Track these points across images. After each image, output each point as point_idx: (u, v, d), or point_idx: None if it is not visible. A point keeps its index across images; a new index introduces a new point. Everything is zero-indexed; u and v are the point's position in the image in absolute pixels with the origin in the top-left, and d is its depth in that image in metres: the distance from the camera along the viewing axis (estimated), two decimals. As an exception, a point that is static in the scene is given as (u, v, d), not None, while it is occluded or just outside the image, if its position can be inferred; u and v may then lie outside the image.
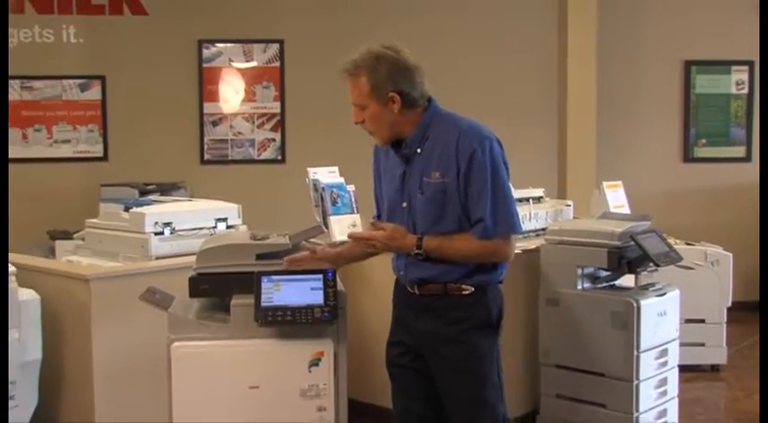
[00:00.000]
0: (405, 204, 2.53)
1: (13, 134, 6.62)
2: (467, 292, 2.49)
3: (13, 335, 3.17)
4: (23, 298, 3.26)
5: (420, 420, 2.65)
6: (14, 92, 6.61)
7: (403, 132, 2.49)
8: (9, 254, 3.36)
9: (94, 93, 6.71)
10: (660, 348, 3.88)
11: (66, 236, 4.55)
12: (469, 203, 2.42)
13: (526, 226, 4.24)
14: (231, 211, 4.05)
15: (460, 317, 2.50)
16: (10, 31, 6.53)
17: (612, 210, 4.57)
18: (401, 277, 2.61)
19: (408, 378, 2.63)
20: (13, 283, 3.19)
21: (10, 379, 3.14)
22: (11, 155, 6.54)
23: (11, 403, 3.16)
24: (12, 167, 6.47)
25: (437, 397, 2.60)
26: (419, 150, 2.46)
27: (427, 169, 2.44)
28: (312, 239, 2.85)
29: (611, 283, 3.93)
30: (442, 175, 2.42)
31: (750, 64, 6.96)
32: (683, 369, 4.18)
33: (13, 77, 6.55)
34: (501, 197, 2.43)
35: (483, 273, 2.50)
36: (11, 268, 3.18)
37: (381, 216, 2.71)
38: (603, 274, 3.91)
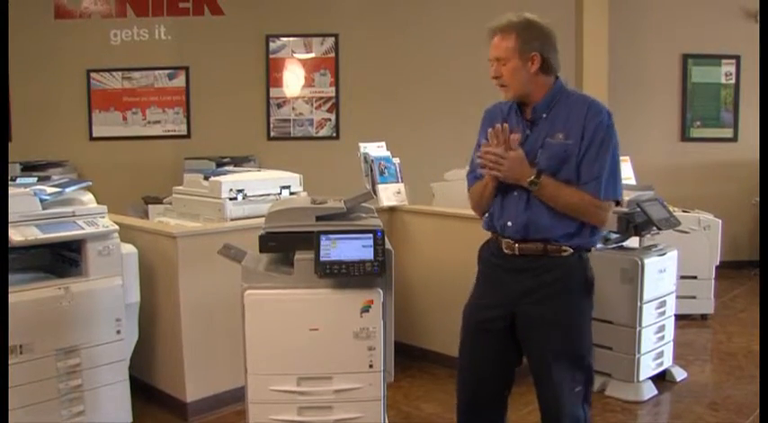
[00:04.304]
0: None
1: (115, 116, 6.70)
2: (566, 253, 2.26)
3: (117, 281, 3.14)
4: (124, 251, 3.22)
5: (489, 383, 2.43)
6: (117, 81, 6.66)
7: (532, 95, 2.28)
8: (113, 214, 3.35)
9: (180, 81, 6.72)
10: (660, 300, 3.81)
11: (157, 200, 4.53)
12: (586, 162, 2.22)
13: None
14: (294, 179, 3.99)
15: (560, 276, 2.28)
16: (115, 32, 6.61)
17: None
18: (508, 229, 2.31)
19: (491, 342, 2.38)
20: (116, 238, 3.15)
21: (117, 317, 3.14)
22: (114, 134, 6.71)
23: (118, 337, 3.15)
24: (113, 144, 6.68)
25: (510, 365, 2.40)
26: (545, 116, 2.28)
27: (551, 131, 2.26)
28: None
29: (620, 244, 3.85)
30: (565, 137, 2.24)
31: (737, 58, 6.85)
32: (678, 317, 4.11)
33: (117, 70, 6.65)
34: (614, 165, 2.26)
35: (582, 237, 2.28)
36: (115, 226, 3.14)
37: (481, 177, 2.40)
38: (614, 236, 3.83)
